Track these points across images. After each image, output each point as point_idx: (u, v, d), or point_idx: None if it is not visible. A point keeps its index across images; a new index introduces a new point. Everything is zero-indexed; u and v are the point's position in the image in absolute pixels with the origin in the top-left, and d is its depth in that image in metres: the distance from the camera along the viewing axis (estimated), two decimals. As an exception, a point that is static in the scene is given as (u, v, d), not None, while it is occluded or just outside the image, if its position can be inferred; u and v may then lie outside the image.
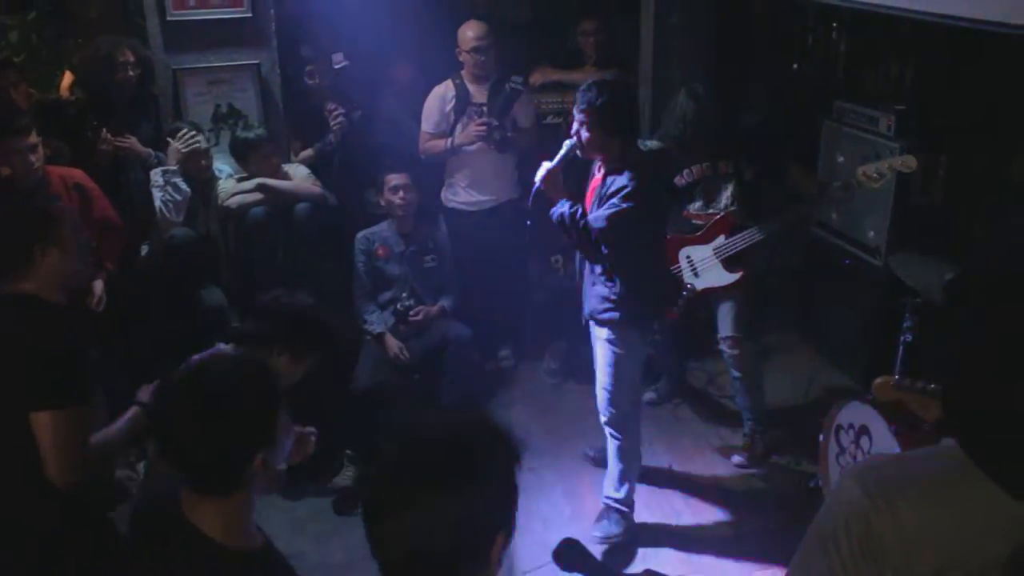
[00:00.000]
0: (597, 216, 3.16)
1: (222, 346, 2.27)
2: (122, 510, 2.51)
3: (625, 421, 3.46)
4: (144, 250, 4.17)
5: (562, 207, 3.23)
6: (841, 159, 4.35)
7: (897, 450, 3.13)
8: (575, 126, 3.21)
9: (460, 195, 4.56)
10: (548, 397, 4.61)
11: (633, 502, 3.54)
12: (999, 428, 1.15)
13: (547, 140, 4.65)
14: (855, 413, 3.41)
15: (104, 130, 4.07)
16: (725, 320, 3.89)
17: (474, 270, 4.48)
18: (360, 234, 4.25)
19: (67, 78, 4.46)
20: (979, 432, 1.17)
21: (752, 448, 4.00)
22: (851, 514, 1.19)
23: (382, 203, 4.26)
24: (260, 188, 4.17)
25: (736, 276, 3.82)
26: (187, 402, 1.51)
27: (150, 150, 4.19)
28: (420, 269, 4.26)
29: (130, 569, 1.65)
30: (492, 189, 4.52)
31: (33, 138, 3.53)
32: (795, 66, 5.19)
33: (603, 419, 3.48)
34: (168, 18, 4.26)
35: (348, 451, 3.95)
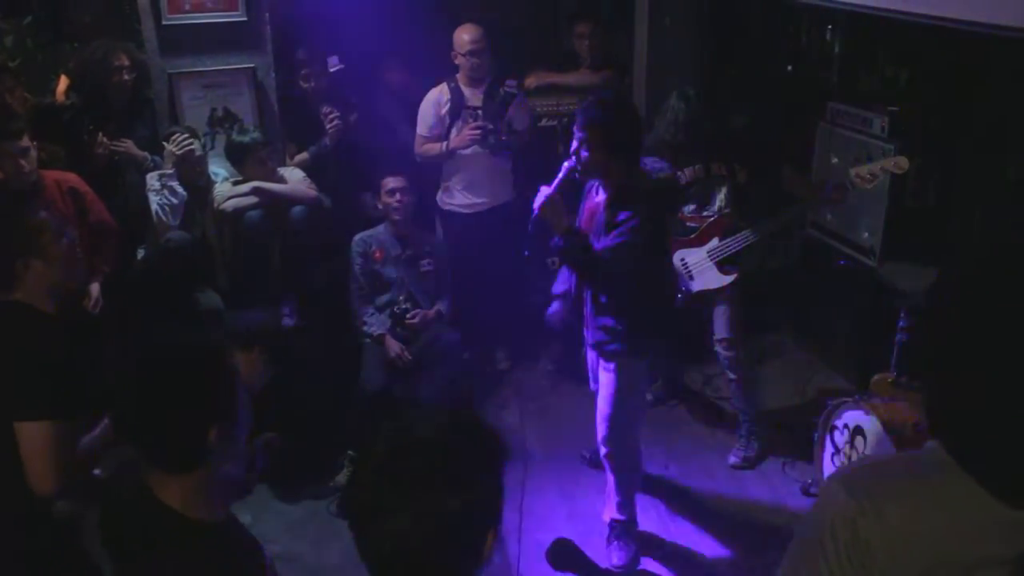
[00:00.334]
0: (606, 248, 2.97)
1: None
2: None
3: (624, 458, 3.36)
4: (140, 253, 4.17)
5: (568, 241, 3.00)
6: (835, 160, 4.37)
7: (892, 451, 3.14)
8: (574, 144, 3.02)
9: (456, 198, 4.57)
10: (544, 399, 4.61)
11: (636, 518, 3.50)
12: (981, 429, 1.15)
13: (542, 142, 4.69)
14: (850, 414, 3.43)
15: (100, 134, 4.07)
16: (720, 322, 3.90)
17: (470, 272, 4.49)
18: (357, 236, 4.26)
19: (63, 82, 4.45)
20: (961, 434, 1.18)
21: (748, 449, 4.01)
22: (837, 517, 1.19)
23: (379, 206, 4.27)
24: (255, 191, 4.17)
25: (730, 278, 3.83)
26: (133, 375, 1.56)
27: (146, 154, 4.19)
28: (416, 273, 4.26)
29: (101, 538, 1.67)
30: (488, 192, 4.53)
31: (25, 142, 3.51)
32: (789, 68, 5.20)
33: (602, 452, 3.37)
34: (163, 22, 4.26)
35: (350, 452, 3.95)
